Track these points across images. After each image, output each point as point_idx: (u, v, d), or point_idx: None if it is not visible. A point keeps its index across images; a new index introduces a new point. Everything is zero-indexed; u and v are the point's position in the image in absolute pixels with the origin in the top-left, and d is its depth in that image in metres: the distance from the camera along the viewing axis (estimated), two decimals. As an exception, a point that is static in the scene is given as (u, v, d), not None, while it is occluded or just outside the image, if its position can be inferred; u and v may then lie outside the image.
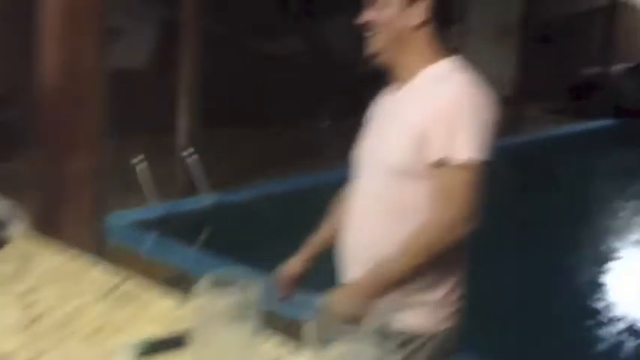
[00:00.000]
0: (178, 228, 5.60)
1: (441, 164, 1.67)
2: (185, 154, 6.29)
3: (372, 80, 1.91)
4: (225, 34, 8.89)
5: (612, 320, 4.69)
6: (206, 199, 6.12)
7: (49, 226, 2.99)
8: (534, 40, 10.57)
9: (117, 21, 7.92)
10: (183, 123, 6.41)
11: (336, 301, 1.73)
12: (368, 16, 1.81)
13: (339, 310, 1.69)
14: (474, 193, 1.68)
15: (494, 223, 6.65)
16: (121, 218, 5.38)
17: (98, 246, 3.12)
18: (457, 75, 1.76)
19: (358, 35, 1.86)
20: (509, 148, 9.70)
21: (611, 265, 5.83)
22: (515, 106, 10.59)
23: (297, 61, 10.00)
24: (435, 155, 1.68)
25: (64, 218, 3.06)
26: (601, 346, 4.39)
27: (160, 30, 8.72)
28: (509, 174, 9.31)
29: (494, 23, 12.80)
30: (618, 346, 4.39)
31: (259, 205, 6.19)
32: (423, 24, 1.78)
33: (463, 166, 1.66)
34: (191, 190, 6.26)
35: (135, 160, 5.67)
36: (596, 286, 5.25)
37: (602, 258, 5.90)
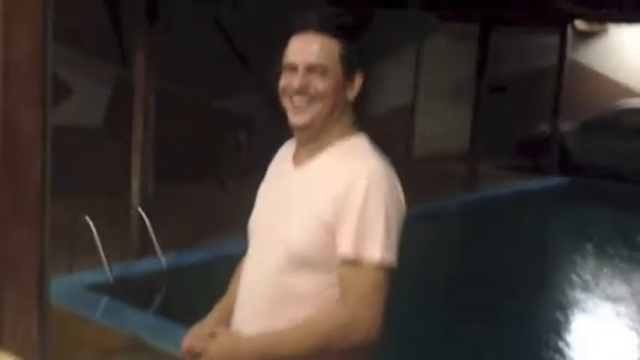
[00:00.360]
0: (130, 291, 5.42)
1: (349, 262, 1.59)
2: (138, 213, 6.14)
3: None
4: (180, 93, 8.86)
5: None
6: (159, 261, 5.94)
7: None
8: (488, 97, 10.78)
9: (69, 78, 7.84)
10: (136, 182, 6.29)
11: (216, 346, 1.63)
12: (301, 82, 1.69)
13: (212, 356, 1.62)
14: (382, 295, 1.60)
15: (446, 278, 6.58)
16: (69, 282, 5.19)
17: (42, 315, 2.97)
18: (368, 160, 1.67)
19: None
20: (463, 204, 9.81)
21: (562, 321, 5.83)
22: (468, 162, 10.74)
23: (252, 118, 10.00)
24: (344, 252, 1.60)
25: (5, 286, 2.91)
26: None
27: (114, 88, 8.64)
28: (460, 230, 9.39)
29: (449, 81, 13.09)
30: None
31: (213, 266, 6.04)
32: (355, 99, 1.74)
33: (374, 267, 1.59)
34: (143, 251, 6.09)
35: (84, 221, 5.49)
36: (549, 345, 5.21)
37: (553, 315, 5.89)
